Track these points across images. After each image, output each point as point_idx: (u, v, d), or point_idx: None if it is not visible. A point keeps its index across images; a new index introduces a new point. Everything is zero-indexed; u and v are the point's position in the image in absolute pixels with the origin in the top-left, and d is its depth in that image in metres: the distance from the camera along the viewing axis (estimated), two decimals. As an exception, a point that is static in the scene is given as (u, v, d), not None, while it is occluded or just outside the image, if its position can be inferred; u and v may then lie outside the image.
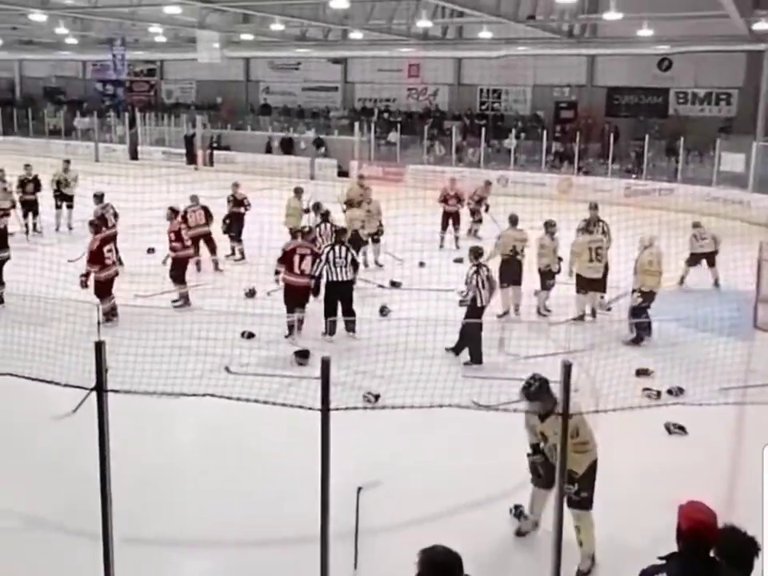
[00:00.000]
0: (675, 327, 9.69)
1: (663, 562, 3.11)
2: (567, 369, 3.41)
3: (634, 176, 21.77)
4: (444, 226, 15.16)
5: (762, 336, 9.94)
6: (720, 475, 6.48)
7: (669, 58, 24.07)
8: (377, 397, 7.73)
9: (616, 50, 23.50)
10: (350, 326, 9.66)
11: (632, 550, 5.16)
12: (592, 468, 5.10)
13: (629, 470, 6.55)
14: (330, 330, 9.51)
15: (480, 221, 15.62)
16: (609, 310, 11.18)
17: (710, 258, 12.75)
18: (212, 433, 7.19)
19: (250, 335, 9.36)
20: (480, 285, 8.78)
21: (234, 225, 13.38)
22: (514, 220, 10.92)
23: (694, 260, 12.75)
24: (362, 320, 9.74)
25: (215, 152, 27.55)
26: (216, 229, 13.08)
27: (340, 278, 9.54)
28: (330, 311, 9.57)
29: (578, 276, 10.56)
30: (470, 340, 8.85)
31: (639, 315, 9.82)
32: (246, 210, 13.47)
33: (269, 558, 5.28)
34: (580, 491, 5.02)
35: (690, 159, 21.38)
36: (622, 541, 5.46)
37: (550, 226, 10.85)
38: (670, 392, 8.02)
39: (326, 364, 3.41)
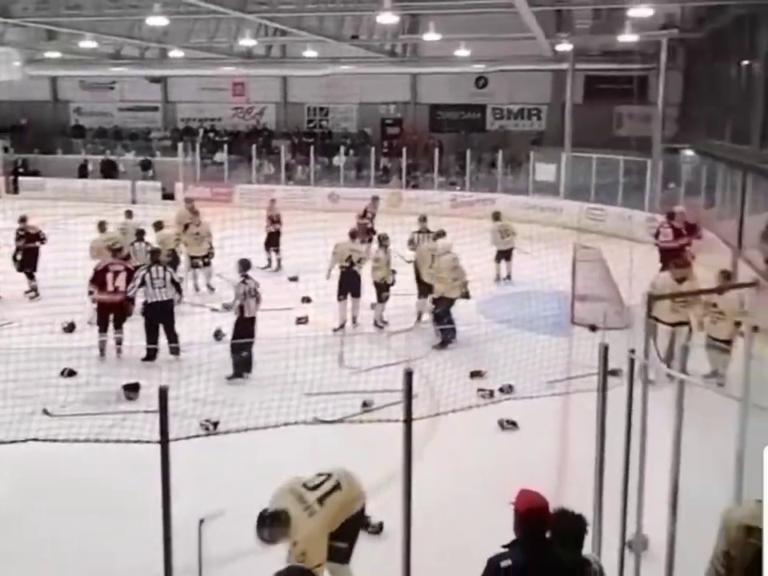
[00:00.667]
0: (503, 328, 10.10)
1: (506, 549, 3.29)
2: (408, 376, 3.41)
3: (458, 188, 22.73)
4: (267, 247, 14.73)
5: (579, 330, 10.57)
6: (550, 462, 6.87)
7: (485, 77, 25.48)
8: (215, 424, 7.39)
9: (436, 68, 24.52)
10: (174, 350, 9.34)
11: (476, 542, 5.24)
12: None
13: (468, 467, 6.78)
14: (150, 355, 9.14)
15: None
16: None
17: (509, 254, 13.83)
18: (37, 480, 6.60)
19: (71, 373, 8.66)
20: (246, 295, 8.89)
21: (30, 260, 12.35)
22: (352, 233, 11.23)
23: (500, 256, 13.78)
24: (195, 345, 9.33)
25: (21, 178, 25.45)
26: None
27: (159, 299, 9.30)
28: (151, 334, 9.28)
29: (421, 282, 10.89)
30: (238, 354, 8.84)
31: (441, 320, 10.19)
32: (42, 243, 12.43)
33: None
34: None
35: (507, 171, 22.67)
36: (466, 533, 5.56)
37: (382, 240, 11.05)
38: (501, 390, 8.39)
39: (163, 393, 3.18)
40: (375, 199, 15.94)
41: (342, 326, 10.63)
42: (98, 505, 6.09)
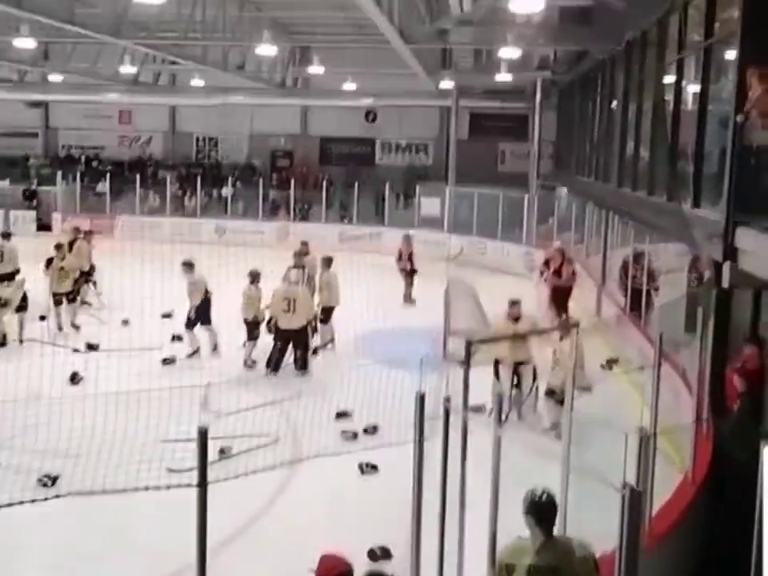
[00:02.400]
0: (372, 366, 10.10)
1: None
2: (203, 434, 3.23)
3: (346, 221, 22.86)
4: None
5: (453, 367, 10.69)
6: (406, 505, 6.82)
7: (374, 111, 25.86)
8: (54, 480, 6.96)
9: (325, 101, 24.71)
10: None
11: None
12: None
13: (319, 516, 6.65)
14: None
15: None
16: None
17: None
18: None
19: None
20: None
21: None
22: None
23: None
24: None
25: None
26: None
27: None
28: None
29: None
30: None
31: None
32: None
33: None
34: None
35: (396, 205, 23.01)
36: None
37: (254, 276, 10.91)
38: (365, 431, 8.36)
39: None
40: (407, 238, 15.91)
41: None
42: None
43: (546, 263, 14.49)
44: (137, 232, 21.30)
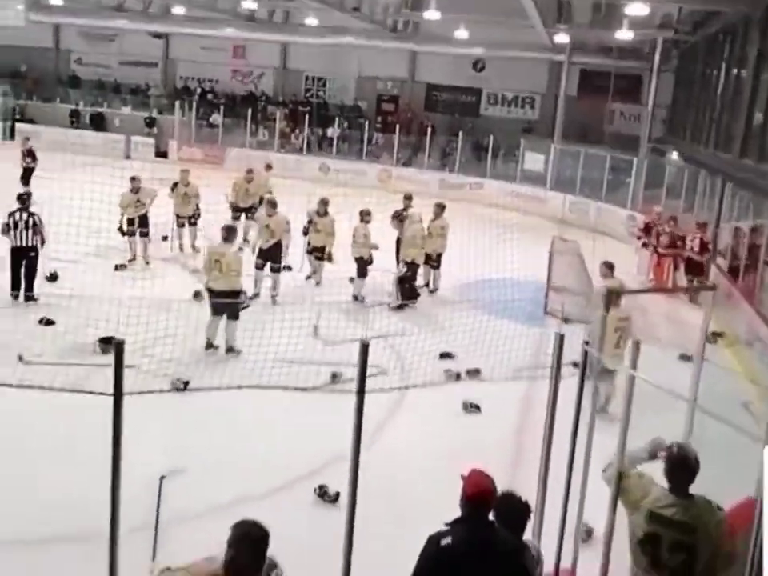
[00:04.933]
0: (478, 312, 10.37)
1: (448, 527, 3.32)
2: (365, 348, 3.52)
3: (447, 169, 22.92)
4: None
5: (552, 321, 10.86)
6: (508, 447, 7.07)
7: (482, 61, 25.55)
8: (186, 383, 7.67)
9: (435, 47, 24.55)
10: (28, 297, 9.80)
11: (424, 520, 5.56)
12: None
13: (428, 445, 7.01)
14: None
15: None
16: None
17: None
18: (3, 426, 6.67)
19: (49, 322, 8.92)
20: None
21: None
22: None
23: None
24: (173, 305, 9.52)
25: (18, 125, 25.34)
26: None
27: (20, 244, 9.75)
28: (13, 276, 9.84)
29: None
30: None
31: (404, 284, 10.90)
32: None
33: (63, 554, 5.04)
34: None
35: (498, 157, 22.88)
36: (417, 507, 5.76)
37: (364, 215, 11.23)
38: (468, 373, 8.67)
39: (119, 347, 3.26)
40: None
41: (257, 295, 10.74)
42: (62, 454, 6.17)
43: (646, 228, 14.33)
44: (245, 164, 22.00)
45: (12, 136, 24.83)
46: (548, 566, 4.03)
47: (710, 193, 15.02)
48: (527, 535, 3.74)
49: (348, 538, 3.46)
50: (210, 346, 8.75)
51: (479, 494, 3.35)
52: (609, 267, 9.48)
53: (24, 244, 9.77)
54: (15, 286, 9.84)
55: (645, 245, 14.16)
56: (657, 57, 19.35)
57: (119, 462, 3.23)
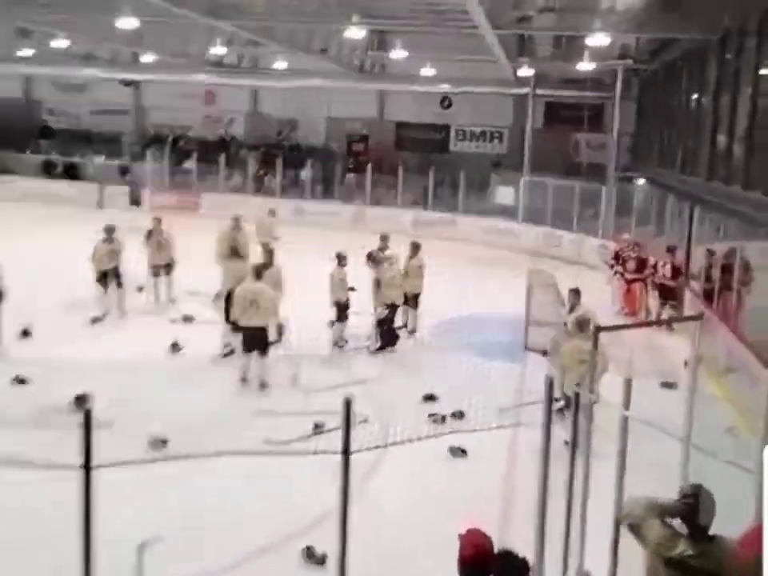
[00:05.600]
0: (456, 353, 10.34)
1: None
2: (347, 404, 3.48)
3: (421, 207, 23.05)
4: None
5: (532, 357, 10.82)
6: (499, 492, 7.05)
7: (449, 98, 25.92)
8: (164, 442, 7.50)
9: (402, 86, 24.91)
10: None
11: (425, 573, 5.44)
12: None
13: (417, 496, 6.94)
14: None
15: None
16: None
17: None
18: None
19: (22, 381, 8.74)
20: None
21: None
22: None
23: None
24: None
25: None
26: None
27: None
28: None
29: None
30: None
31: (384, 326, 10.83)
32: None
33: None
34: None
35: (468, 192, 23.07)
36: (415, 564, 5.72)
37: (341, 258, 11.13)
38: (453, 415, 8.54)
39: (87, 414, 3.20)
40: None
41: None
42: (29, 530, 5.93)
43: (616, 256, 14.47)
44: (220, 210, 21.99)
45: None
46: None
47: (679, 217, 15.24)
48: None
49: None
50: (244, 380, 9.22)
51: (477, 556, 3.28)
52: (576, 294, 9.49)
53: None
54: None
55: (616, 273, 14.30)
56: (618, 86, 19.76)
57: (90, 537, 3.07)
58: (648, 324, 12.51)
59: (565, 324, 9.24)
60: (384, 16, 20.93)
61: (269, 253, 10.83)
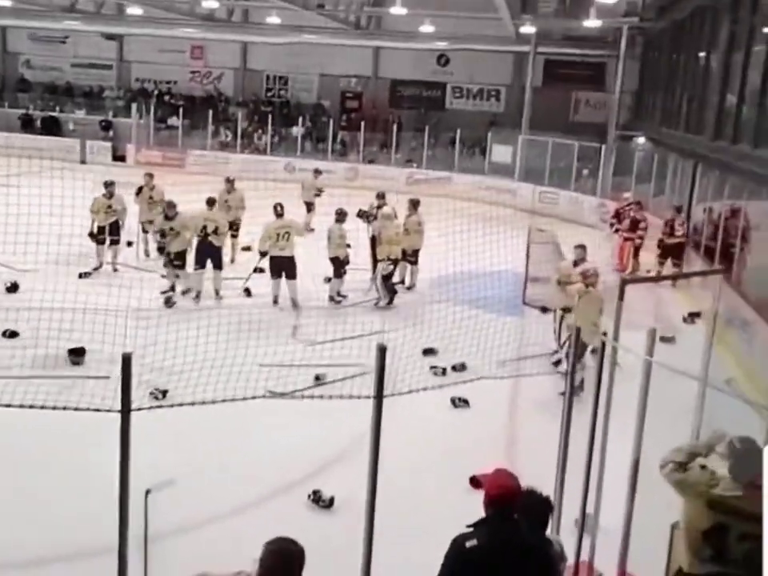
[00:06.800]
0: (456, 305, 10.20)
1: (471, 529, 3.20)
2: (382, 352, 3.48)
3: (415, 165, 22.72)
4: None
5: (530, 311, 10.77)
6: (501, 441, 7.05)
7: (446, 55, 25.40)
8: (164, 393, 7.32)
9: (399, 43, 24.36)
10: None
11: (433, 519, 5.33)
12: None
13: (421, 444, 6.88)
14: None
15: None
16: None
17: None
18: None
19: (13, 334, 8.49)
20: None
21: None
22: (210, 201, 11.05)
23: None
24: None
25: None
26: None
27: None
28: None
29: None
30: None
31: (387, 281, 10.89)
32: None
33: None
34: None
35: (464, 151, 22.75)
36: (423, 511, 5.66)
37: (339, 215, 11.00)
38: (454, 368, 8.51)
39: (126, 361, 3.10)
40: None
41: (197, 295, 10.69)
42: (43, 475, 5.97)
43: (616, 215, 14.41)
44: (208, 167, 21.56)
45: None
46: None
47: (681, 176, 15.03)
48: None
49: (367, 546, 3.46)
50: (275, 302, 10.46)
51: (505, 494, 3.23)
52: (583, 249, 9.41)
53: None
54: None
55: (617, 231, 14.24)
56: (623, 44, 19.38)
57: (128, 481, 3.34)
58: (673, 278, 12.50)
59: (559, 281, 9.15)
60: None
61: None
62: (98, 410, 3.92)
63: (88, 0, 23.20)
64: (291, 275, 10.50)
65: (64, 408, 4.22)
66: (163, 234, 10.78)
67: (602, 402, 4.55)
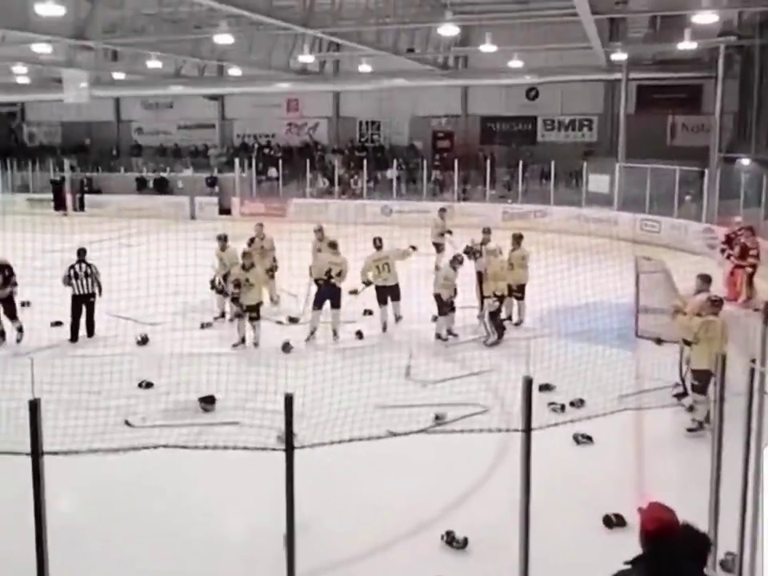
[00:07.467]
0: (568, 340, 10.08)
1: (629, 566, 3.11)
2: (528, 384, 3.51)
3: (509, 201, 22.69)
4: None
5: (644, 343, 10.50)
6: (630, 478, 6.84)
7: (536, 88, 25.44)
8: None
9: (488, 80, 24.59)
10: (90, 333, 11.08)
11: (574, 559, 5.34)
12: None
13: (547, 481, 6.67)
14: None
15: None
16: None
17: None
18: (123, 489, 6.71)
19: (148, 385, 9.01)
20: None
21: None
22: (332, 244, 11.32)
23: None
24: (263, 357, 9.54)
25: (86, 196, 26.39)
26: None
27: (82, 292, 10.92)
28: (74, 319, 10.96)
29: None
30: None
31: (495, 318, 10.80)
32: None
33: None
34: None
35: (559, 183, 22.56)
36: (555, 548, 5.55)
37: (454, 260, 11.22)
38: (572, 404, 8.35)
39: (289, 400, 3.32)
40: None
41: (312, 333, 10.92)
42: (188, 517, 6.20)
43: (727, 240, 13.87)
44: (308, 214, 22.28)
45: (82, 207, 25.85)
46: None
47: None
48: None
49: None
50: (384, 329, 11.26)
51: (663, 528, 3.13)
52: (706, 281, 9.07)
53: (84, 292, 10.91)
54: (74, 332, 10.91)
55: (729, 257, 13.70)
56: (721, 64, 18.88)
57: (293, 516, 3.77)
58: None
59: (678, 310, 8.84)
60: (466, 11, 20.88)
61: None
62: (263, 449, 4.13)
63: (192, 66, 24.74)
64: (396, 298, 11.39)
65: (225, 448, 4.45)
66: (238, 285, 10.72)
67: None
